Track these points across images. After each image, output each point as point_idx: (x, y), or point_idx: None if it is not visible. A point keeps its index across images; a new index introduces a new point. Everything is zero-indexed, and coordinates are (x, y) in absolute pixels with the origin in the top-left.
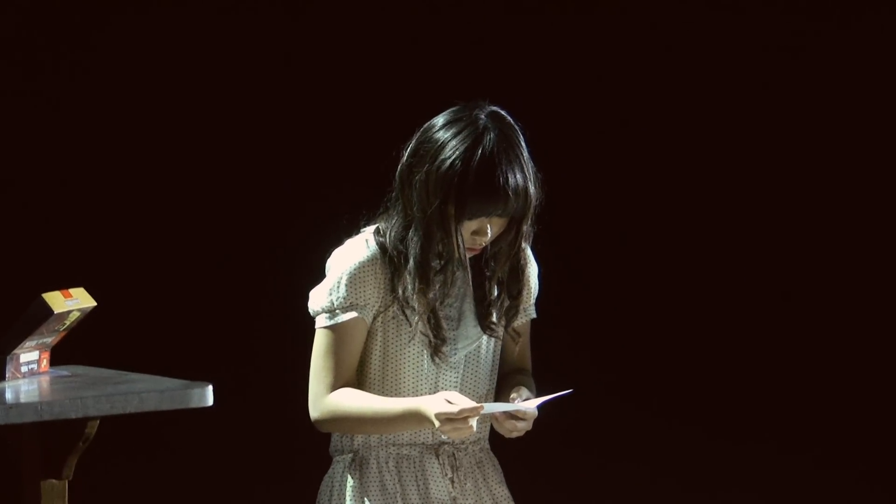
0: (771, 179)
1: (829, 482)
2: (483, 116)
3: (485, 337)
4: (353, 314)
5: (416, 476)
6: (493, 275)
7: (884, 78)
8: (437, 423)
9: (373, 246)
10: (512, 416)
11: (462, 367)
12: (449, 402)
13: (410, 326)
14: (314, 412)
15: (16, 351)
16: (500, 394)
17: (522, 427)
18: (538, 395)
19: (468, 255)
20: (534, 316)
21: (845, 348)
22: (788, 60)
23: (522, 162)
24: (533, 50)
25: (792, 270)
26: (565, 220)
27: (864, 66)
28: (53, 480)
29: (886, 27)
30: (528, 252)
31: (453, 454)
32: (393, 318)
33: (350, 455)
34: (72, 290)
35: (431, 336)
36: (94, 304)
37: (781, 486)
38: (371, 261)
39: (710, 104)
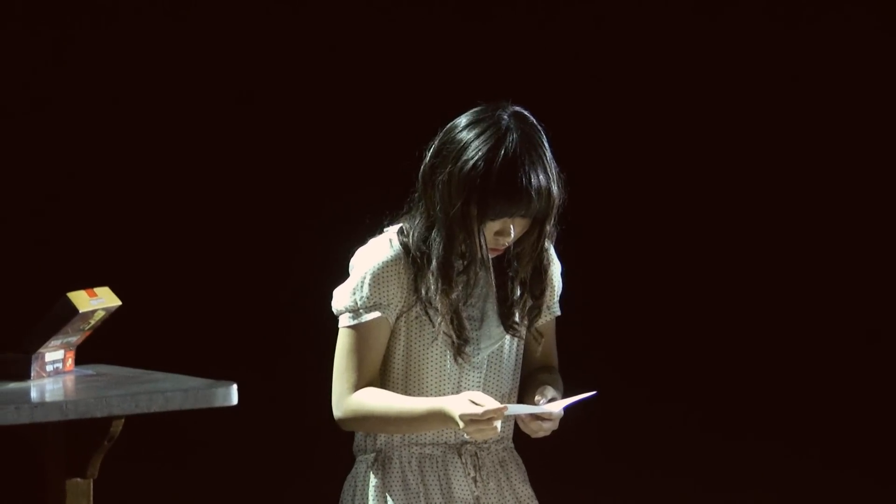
0: (781, 186)
1: (840, 481)
2: (506, 117)
3: (508, 336)
4: (376, 314)
5: (439, 476)
6: (515, 275)
7: (884, 79)
8: (461, 424)
9: (396, 245)
10: (537, 416)
11: (485, 366)
12: (473, 402)
13: (433, 327)
14: (338, 411)
15: (41, 350)
16: (525, 393)
17: (548, 427)
18: (564, 392)
19: (491, 256)
20: (558, 313)
21: (859, 349)
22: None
23: (545, 162)
24: (556, 50)
25: (805, 274)
26: (588, 220)
27: (865, 70)
28: (78, 479)
29: (886, 27)
30: (552, 251)
31: (476, 453)
32: (416, 318)
33: (373, 454)
34: (96, 289)
35: (454, 336)
36: (119, 303)
37: (797, 485)
38: (394, 260)
39: (734, 104)
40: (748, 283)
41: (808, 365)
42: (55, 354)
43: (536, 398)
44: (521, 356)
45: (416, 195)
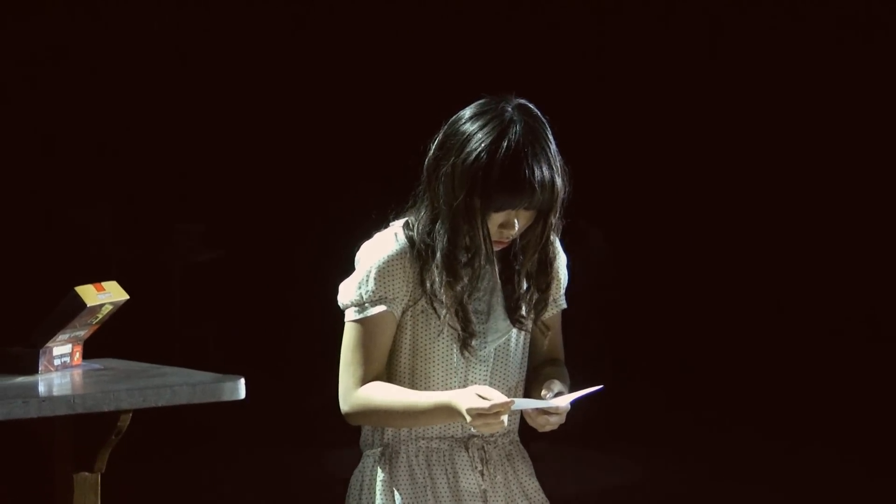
0: (782, 185)
1: (838, 476)
2: (510, 109)
3: (514, 330)
4: (382, 307)
5: (446, 469)
6: (521, 268)
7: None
8: (468, 418)
9: (402, 239)
10: (544, 411)
11: (492, 360)
12: (480, 396)
13: (439, 320)
14: (344, 405)
15: (49, 344)
16: (531, 387)
17: (555, 421)
18: (570, 383)
19: (496, 249)
20: (564, 306)
21: (863, 346)
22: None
23: (549, 155)
24: (561, 44)
25: (811, 272)
26: (593, 212)
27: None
28: (86, 473)
29: (886, 28)
30: (557, 244)
31: (483, 447)
32: (422, 311)
33: (380, 449)
34: (104, 284)
35: (460, 330)
36: (127, 297)
37: (798, 479)
38: (400, 254)
39: (737, 100)
40: (746, 282)
41: (806, 359)
42: (63, 348)
43: (543, 392)
44: (527, 349)
45: (421, 188)
